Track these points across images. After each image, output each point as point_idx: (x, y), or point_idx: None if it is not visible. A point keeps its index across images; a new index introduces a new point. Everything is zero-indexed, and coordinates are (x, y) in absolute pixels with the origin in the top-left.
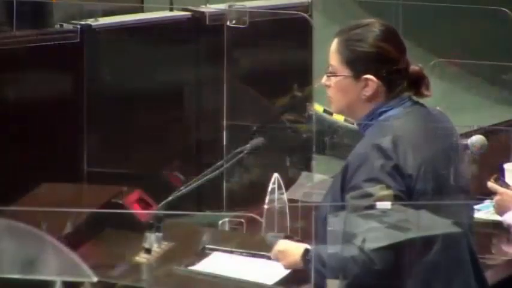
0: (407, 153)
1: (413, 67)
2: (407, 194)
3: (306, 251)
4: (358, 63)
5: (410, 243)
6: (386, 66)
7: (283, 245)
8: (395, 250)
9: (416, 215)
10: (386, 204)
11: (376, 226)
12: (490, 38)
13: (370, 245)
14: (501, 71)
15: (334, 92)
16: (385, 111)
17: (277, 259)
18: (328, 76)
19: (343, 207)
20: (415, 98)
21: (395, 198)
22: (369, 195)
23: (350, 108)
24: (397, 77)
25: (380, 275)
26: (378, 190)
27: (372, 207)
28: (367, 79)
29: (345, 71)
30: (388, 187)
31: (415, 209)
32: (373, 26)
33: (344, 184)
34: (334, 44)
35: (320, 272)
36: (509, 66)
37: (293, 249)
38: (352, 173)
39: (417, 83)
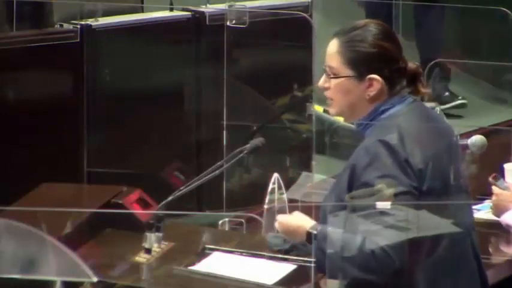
0: (414, 148)
1: (411, 65)
2: (419, 189)
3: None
4: (361, 63)
5: (422, 241)
6: (388, 65)
7: (290, 219)
8: (409, 248)
9: (425, 212)
10: (386, 204)
11: (391, 223)
12: (490, 38)
13: (386, 242)
14: (501, 71)
15: (335, 93)
16: (387, 109)
17: (281, 230)
18: (330, 78)
19: (346, 207)
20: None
21: (408, 194)
22: (381, 191)
23: (351, 109)
24: (398, 75)
25: (396, 273)
26: (390, 187)
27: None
28: (371, 79)
29: (348, 72)
30: (402, 183)
31: (421, 207)
32: (370, 26)
33: (352, 183)
34: (334, 46)
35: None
36: (509, 66)
37: (298, 224)
38: (361, 170)
39: (414, 81)
